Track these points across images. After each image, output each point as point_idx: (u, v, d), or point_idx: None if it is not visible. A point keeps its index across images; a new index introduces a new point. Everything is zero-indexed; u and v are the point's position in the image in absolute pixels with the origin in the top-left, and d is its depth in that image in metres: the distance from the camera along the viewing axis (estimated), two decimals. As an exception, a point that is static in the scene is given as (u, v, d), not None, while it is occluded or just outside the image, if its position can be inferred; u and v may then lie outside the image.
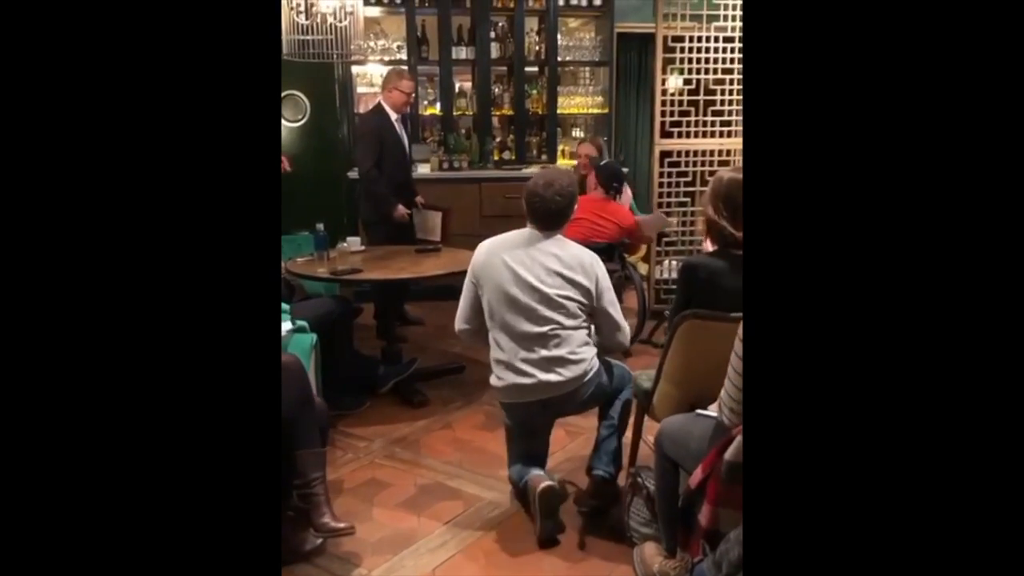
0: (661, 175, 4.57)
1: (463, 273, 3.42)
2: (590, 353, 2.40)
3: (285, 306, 2.83)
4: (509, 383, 2.36)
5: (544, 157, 5.32)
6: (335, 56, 3.83)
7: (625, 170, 4.49)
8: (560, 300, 2.32)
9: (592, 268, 2.37)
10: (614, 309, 2.42)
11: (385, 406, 3.35)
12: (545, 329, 2.32)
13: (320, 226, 3.51)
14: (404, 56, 5.11)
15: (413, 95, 4.34)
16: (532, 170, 5.05)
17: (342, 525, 2.11)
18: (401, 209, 4.11)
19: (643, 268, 4.96)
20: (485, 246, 2.44)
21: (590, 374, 2.38)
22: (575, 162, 4.70)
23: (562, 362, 2.33)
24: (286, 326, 2.45)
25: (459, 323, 2.52)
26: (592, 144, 4.67)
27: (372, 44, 5.07)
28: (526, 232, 2.41)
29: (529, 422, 2.43)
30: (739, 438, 1.57)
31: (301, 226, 4.09)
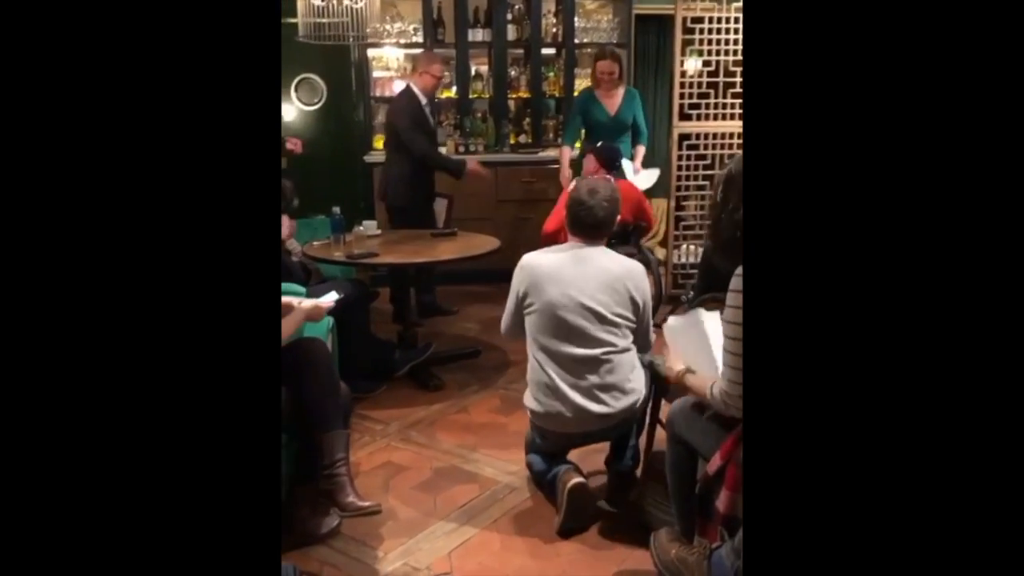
0: (679, 158, 4.52)
1: (478, 257, 3.45)
2: (641, 379, 2.29)
3: (302, 289, 2.84)
4: (551, 411, 2.25)
5: (560, 139, 5.28)
6: (351, 39, 3.81)
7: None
8: (613, 318, 2.21)
9: (642, 280, 2.28)
10: (651, 324, 2.33)
11: (401, 390, 3.36)
12: (597, 352, 2.20)
13: (336, 209, 3.50)
14: (420, 39, 5.07)
15: (443, 78, 4.30)
16: (549, 153, 5.03)
17: (367, 503, 2.13)
18: (476, 167, 4.13)
19: (660, 252, 4.92)
20: (530, 263, 2.31)
21: (640, 402, 2.30)
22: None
23: (614, 391, 2.22)
24: (331, 297, 2.43)
25: (505, 331, 2.45)
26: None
27: (388, 27, 5.03)
28: (571, 247, 2.30)
29: (562, 446, 2.35)
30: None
31: (317, 210, 4.10)
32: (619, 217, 2.33)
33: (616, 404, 2.23)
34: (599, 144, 4.22)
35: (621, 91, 4.31)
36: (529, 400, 2.33)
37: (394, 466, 2.69)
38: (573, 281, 2.22)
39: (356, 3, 3.42)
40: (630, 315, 2.24)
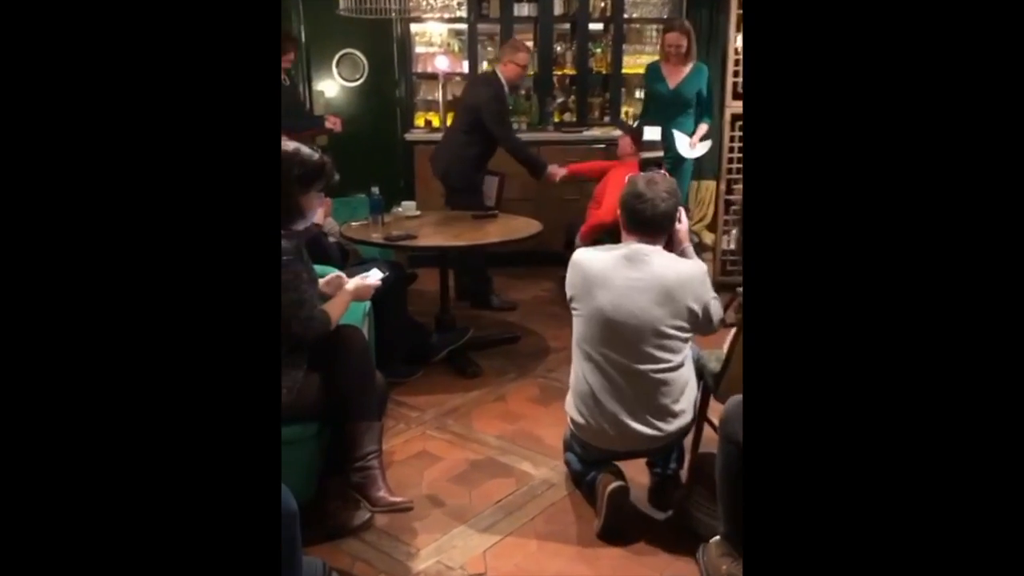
0: (732, 139, 4.32)
1: (519, 241, 3.34)
2: (692, 398, 2.15)
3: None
4: (593, 427, 2.12)
5: (607, 119, 5.11)
6: (393, 12, 3.70)
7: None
8: (667, 331, 2.03)
9: (701, 285, 2.08)
10: (713, 318, 2.11)
11: (437, 375, 3.28)
12: (648, 368, 2.04)
13: (375, 189, 3.42)
14: (464, 13, 4.94)
15: (527, 68, 4.16)
16: (594, 133, 4.87)
17: (399, 499, 2.05)
18: (557, 170, 4.00)
19: (709, 237, 4.75)
20: (581, 262, 2.15)
21: (689, 424, 2.16)
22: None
23: (664, 414, 2.07)
24: (376, 275, 2.36)
25: None
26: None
27: (432, 1, 4.91)
28: (626, 248, 2.11)
29: (604, 459, 2.20)
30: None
31: (356, 188, 4.02)
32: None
33: (664, 428, 2.09)
34: (636, 124, 4.06)
35: (689, 66, 4.15)
36: (571, 408, 2.21)
37: (429, 456, 2.62)
38: (625, 289, 2.04)
39: (399, -25, 3.31)
40: (687, 325, 2.07)
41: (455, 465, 2.55)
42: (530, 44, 5.19)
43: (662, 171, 2.21)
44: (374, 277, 2.34)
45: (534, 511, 2.27)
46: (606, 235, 3.81)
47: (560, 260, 4.29)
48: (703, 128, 4.23)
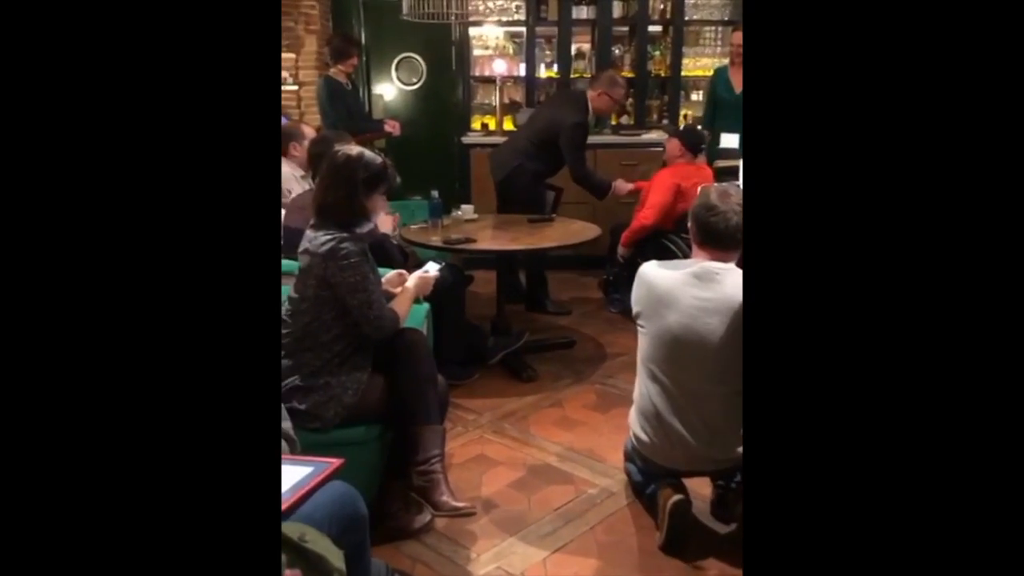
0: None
1: (576, 245, 3.32)
2: None
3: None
4: (657, 445, 2.08)
5: (665, 122, 5.05)
6: (452, 16, 3.72)
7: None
8: (736, 354, 1.90)
9: None
10: None
11: (494, 379, 3.28)
12: (717, 392, 1.98)
13: (435, 193, 3.44)
14: (522, 16, 4.94)
15: (620, 103, 4.12)
16: (652, 136, 4.82)
17: (462, 504, 2.04)
18: (624, 186, 3.96)
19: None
20: (648, 278, 2.09)
21: None
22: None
23: (731, 437, 2.01)
24: (434, 267, 2.42)
25: None
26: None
27: (490, 4, 4.93)
28: (696, 265, 2.03)
29: (667, 475, 2.14)
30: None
31: (414, 190, 4.06)
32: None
33: (731, 453, 2.04)
34: (683, 127, 3.99)
35: None
36: (634, 425, 2.17)
37: (488, 460, 2.62)
38: (694, 310, 1.97)
39: (460, -20, 3.33)
40: None
41: (513, 470, 2.55)
42: (587, 47, 5.18)
43: (737, 183, 2.12)
44: (433, 269, 2.38)
45: (594, 520, 2.25)
46: (648, 238, 3.77)
47: (600, 263, 4.28)
48: None
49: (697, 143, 3.90)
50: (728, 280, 1.98)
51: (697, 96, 5.41)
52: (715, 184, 2.16)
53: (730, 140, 3.88)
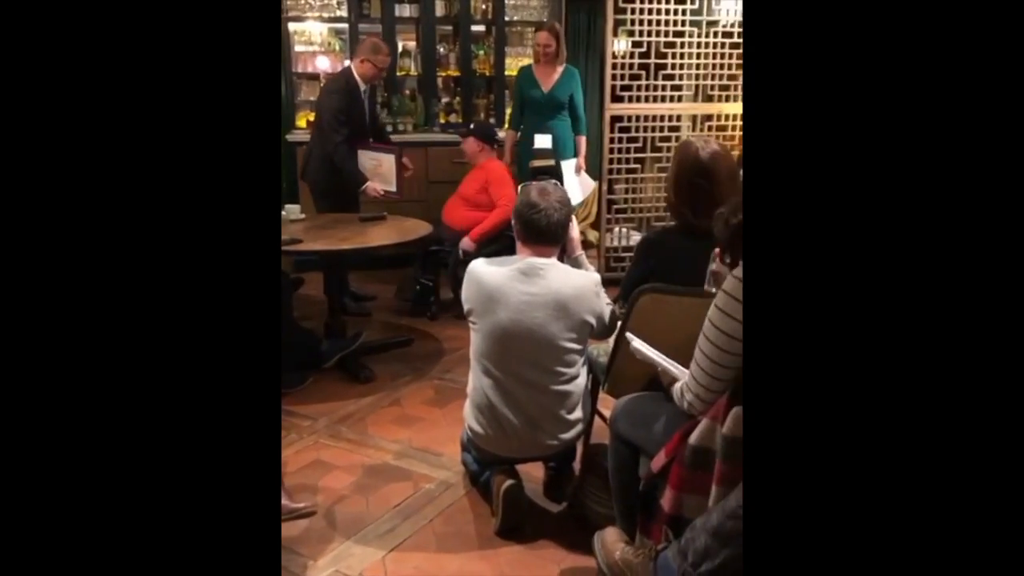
0: (612, 140, 4.48)
1: (410, 243, 3.33)
2: (587, 408, 2.22)
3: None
4: (492, 436, 2.14)
5: (493, 119, 5.17)
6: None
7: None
8: (564, 344, 2.06)
9: (594, 298, 2.10)
10: (608, 322, 2.14)
11: (329, 383, 3.22)
12: (547, 382, 2.07)
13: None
14: (344, 13, 4.85)
15: (386, 70, 4.03)
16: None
17: (301, 505, 1.99)
18: (374, 186, 3.79)
19: (593, 235, 4.90)
20: (477, 275, 2.13)
21: (585, 427, 2.22)
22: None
23: (562, 423, 2.12)
24: None
25: None
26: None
27: (311, 0, 4.79)
28: (522, 262, 2.09)
29: (500, 463, 2.22)
30: (704, 421, 1.51)
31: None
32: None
33: (563, 437, 2.15)
34: (473, 124, 4.10)
35: (560, 69, 4.23)
36: (469, 417, 2.22)
37: (323, 465, 2.56)
38: (522, 304, 2.04)
39: (274, -27, 3.21)
40: (584, 336, 2.12)
41: (350, 473, 2.51)
42: (413, 45, 5.18)
43: (555, 181, 2.23)
44: None
45: (432, 513, 2.28)
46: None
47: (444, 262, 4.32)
48: (583, 141, 4.34)
49: (492, 136, 4.04)
50: (551, 275, 2.08)
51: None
52: (534, 183, 2.25)
53: (543, 140, 4.03)
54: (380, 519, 2.25)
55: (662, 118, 4.50)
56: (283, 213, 3.52)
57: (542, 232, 2.09)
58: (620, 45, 4.53)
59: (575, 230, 2.28)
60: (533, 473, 2.35)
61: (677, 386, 1.62)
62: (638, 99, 4.45)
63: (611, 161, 4.50)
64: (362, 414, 2.96)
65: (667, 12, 4.33)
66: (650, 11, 4.31)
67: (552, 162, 3.78)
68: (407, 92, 5.10)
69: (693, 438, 1.51)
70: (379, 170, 3.85)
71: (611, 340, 2.26)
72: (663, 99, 4.49)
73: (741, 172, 1.55)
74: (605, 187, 4.56)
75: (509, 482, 2.12)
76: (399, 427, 2.85)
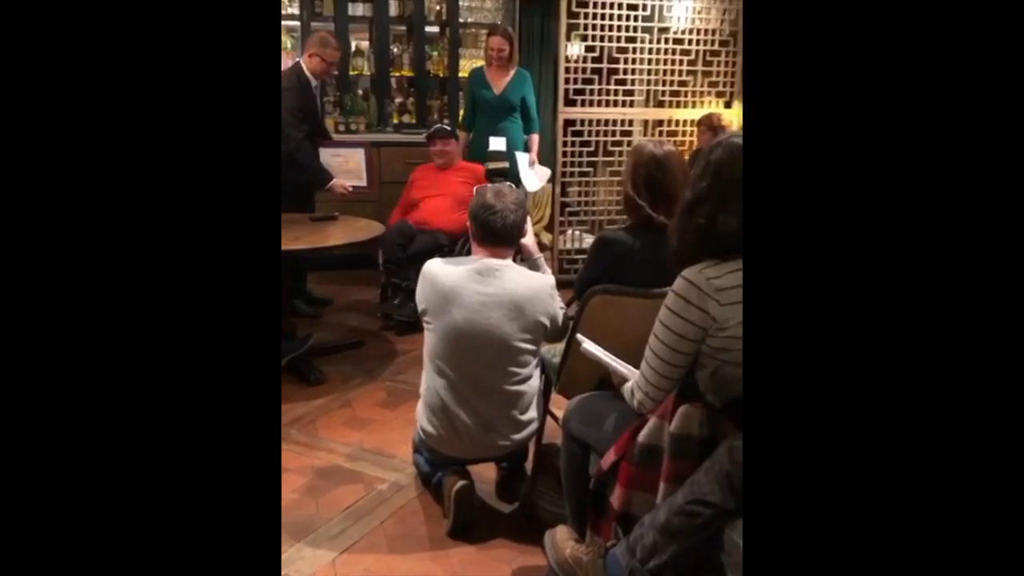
0: (565, 144, 4.52)
1: (363, 244, 3.30)
2: (540, 408, 2.23)
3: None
4: (444, 437, 2.14)
5: (446, 121, 5.16)
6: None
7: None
8: (518, 345, 2.07)
9: (549, 299, 2.11)
10: (561, 323, 2.15)
11: (279, 384, 3.17)
12: (500, 383, 2.08)
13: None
14: (295, 11, 4.79)
15: (335, 64, 3.95)
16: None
17: None
18: (342, 183, 3.75)
19: (546, 237, 4.93)
20: (433, 275, 2.13)
21: (538, 427, 2.23)
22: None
23: (515, 424, 2.13)
24: None
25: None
26: None
27: (260, -5, 4.71)
28: (477, 263, 2.11)
29: (453, 463, 2.22)
30: (652, 420, 1.54)
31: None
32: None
33: (515, 437, 2.16)
34: (433, 129, 4.12)
35: (512, 71, 4.24)
36: (421, 418, 2.21)
37: (272, 468, 2.52)
38: (477, 305, 2.05)
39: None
40: (538, 337, 2.14)
41: (301, 476, 2.48)
42: (366, 45, 5.15)
43: (509, 183, 2.26)
44: None
45: (384, 515, 2.27)
46: None
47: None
48: (535, 139, 4.35)
49: (447, 134, 4.06)
50: (507, 276, 2.09)
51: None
52: (489, 185, 2.25)
53: (498, 143, 4.06)
54: (330, 521, 2.22)
55: (614, 122, 4.57)
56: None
57: (498, 233, 2.11)
58: (573, 49, 4.58)
59: (531, 235, 2.30)
60: (485, 474, 2.36)
61: (627, 385, 1.65)
62: (591, 103, 4.51)
63: (564, 164, 4.54)
64: (312, 416, 2.92)
65: (620, 18, 4.40)
66: (603, 16, 4.37)
67: (507, 164, 3.80)
68: (360, 92, 5.06)
69: (642, 436, 1.54)
70: (346, 166, 3.81)
71: (564, 341, 2.29)
72: (615, 103, 4.56)
73: (691, 171, 1.58)
74: (559, 190, 4.60)
75: (461, 483, 2.12)
76: (350, 429, 2.82)
